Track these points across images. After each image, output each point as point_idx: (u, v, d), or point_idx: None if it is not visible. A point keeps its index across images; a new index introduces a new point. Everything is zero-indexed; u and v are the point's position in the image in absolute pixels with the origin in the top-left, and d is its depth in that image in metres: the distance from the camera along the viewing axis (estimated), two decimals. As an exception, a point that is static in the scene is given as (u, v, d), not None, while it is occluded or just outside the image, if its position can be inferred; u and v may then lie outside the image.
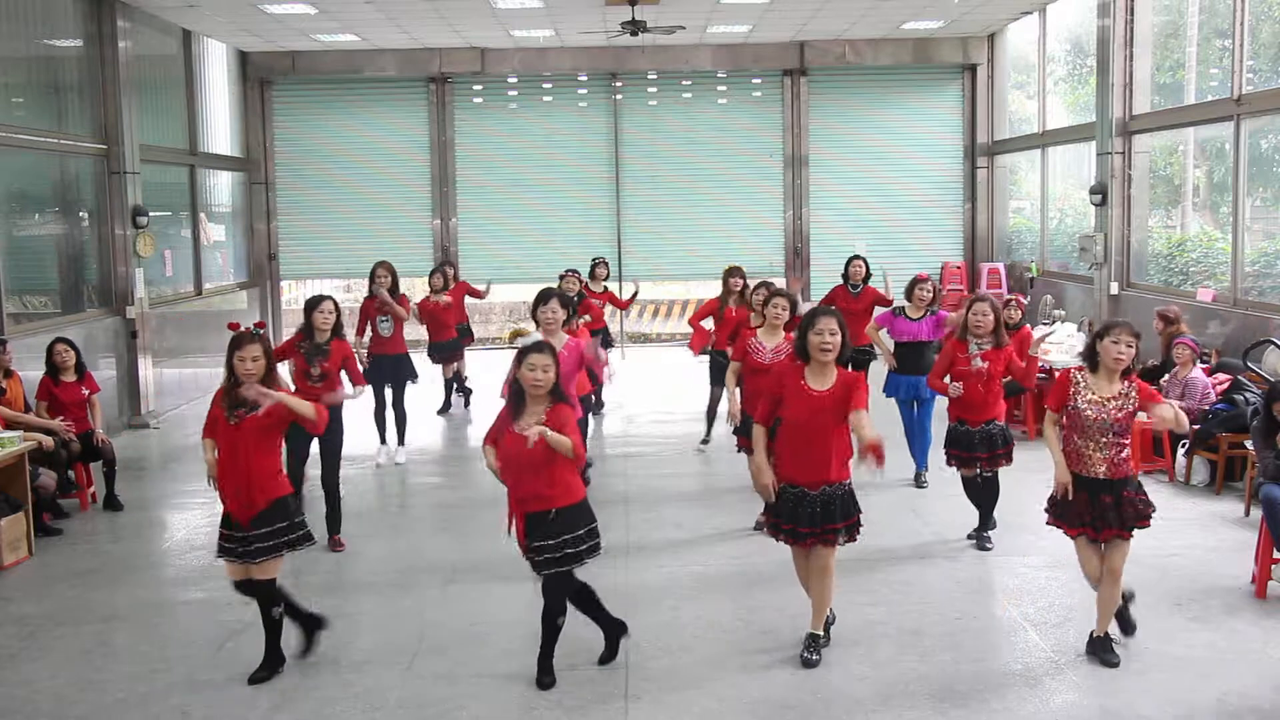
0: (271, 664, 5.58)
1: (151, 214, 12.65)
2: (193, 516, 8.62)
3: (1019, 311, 10.38)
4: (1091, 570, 5.58)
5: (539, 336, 5.38)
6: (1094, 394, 5.39)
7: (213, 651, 5.94)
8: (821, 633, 5.69)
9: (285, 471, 7.49)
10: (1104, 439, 5.38)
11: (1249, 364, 9.18)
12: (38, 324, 10.88)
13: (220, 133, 15.74)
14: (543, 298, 7.27)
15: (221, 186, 15.96)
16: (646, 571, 7.08)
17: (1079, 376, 5.49)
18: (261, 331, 5.53)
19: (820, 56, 16.37)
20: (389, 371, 10.03)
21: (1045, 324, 12.22)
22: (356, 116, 16.85)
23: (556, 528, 5.14)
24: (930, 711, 5.09)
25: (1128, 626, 5.78)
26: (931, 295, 8.84)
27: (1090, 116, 13.18)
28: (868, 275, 10.65)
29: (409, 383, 10.36)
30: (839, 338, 5.30)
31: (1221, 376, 9.49)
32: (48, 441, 8.19)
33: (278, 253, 17.00)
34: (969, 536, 7.54)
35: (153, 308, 12.77)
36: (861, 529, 5.55)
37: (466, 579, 7.04)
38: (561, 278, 10.79)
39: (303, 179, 16.92)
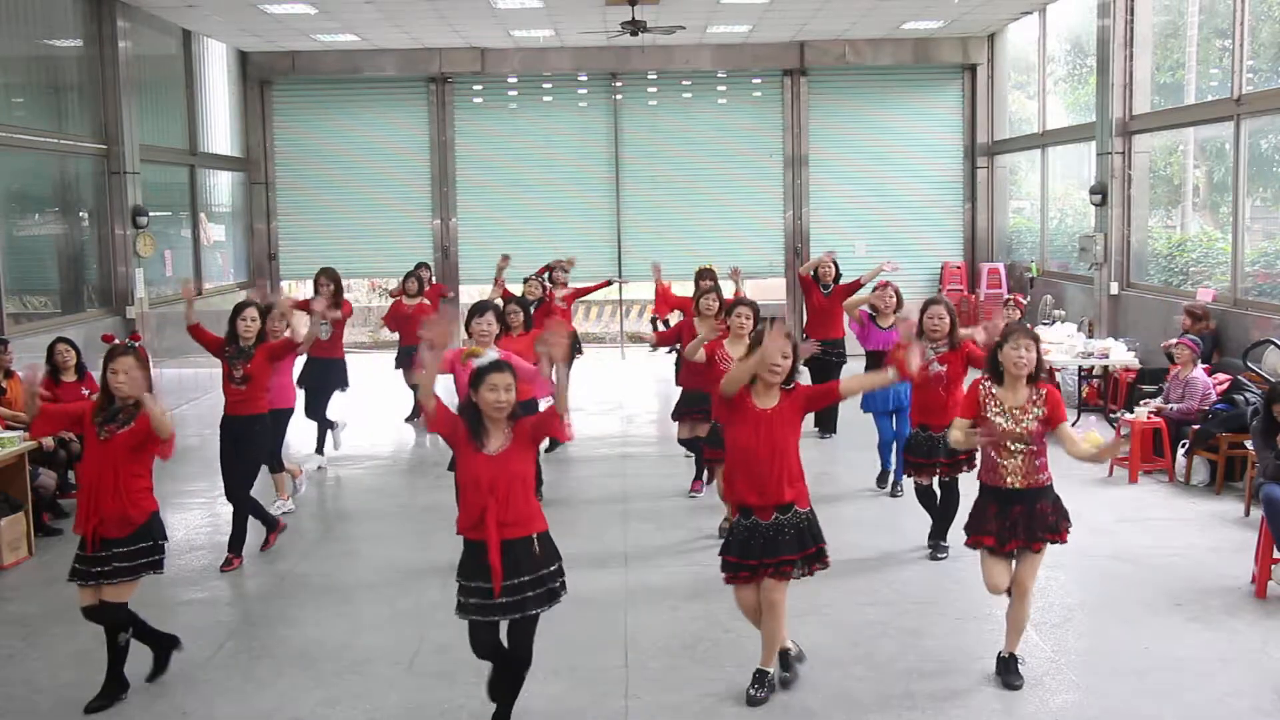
0: (111, 692, 5.33)
1: (151, 214, 12.66)
2: (192, 517, 8.61)
3: (1018, 311, 10.40)
4: (994, 583, 5.37)
5: (495, 355, 5.16)
6: (1003, 404, 5.25)
7: (213, 651, 5.93)
8: (772, 669, 5.30)
9: (235, 494, 7.38)
10: (1016, 448, 5.22)
11: (1249, 364, 9.19)
12: (38, 324, 10.88)
13: (220, 133, 15.74)
14: (478, 309, 7.14)
15: (221, 186, 15.96)
16: (646, 571, 7.08)
17: (986, 387, 5.34)
18: (137, 345, 5.48)
19: (820, 56, 16.37)
20: (316, 376, 9.93)
21: (1046, 324, 12.23)
22: (356, 116, 16.86)
23: (540, 560, 4.70)
24: (930, 712, 5.09)
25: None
26: (896, 302, 8.82)
27: (1090, 116, 13.18)
28: (838, 275, 10.77)
29: (336, 390, 10.24)
30: (789, 361, 5.08)
31: (1221, 376, 9.49)
32: (48, 442, 8.20)
33: (278, 253, 17.01)
34: (929, 548, 7.38)
35: (153, 308, 12.77)
36: (828, 558, 5.22)
37: (466, 579, 7.04)
38: (525, 281, 10.65)
39: (303, 179, 16.92)
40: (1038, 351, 5.26)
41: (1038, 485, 5.27)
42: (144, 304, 12.45)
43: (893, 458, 8.93)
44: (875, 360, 8.83)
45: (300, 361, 9.63)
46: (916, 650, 5.77)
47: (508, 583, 4.60)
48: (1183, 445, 9.06)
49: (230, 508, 7.47)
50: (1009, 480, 5.26)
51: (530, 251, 16.34)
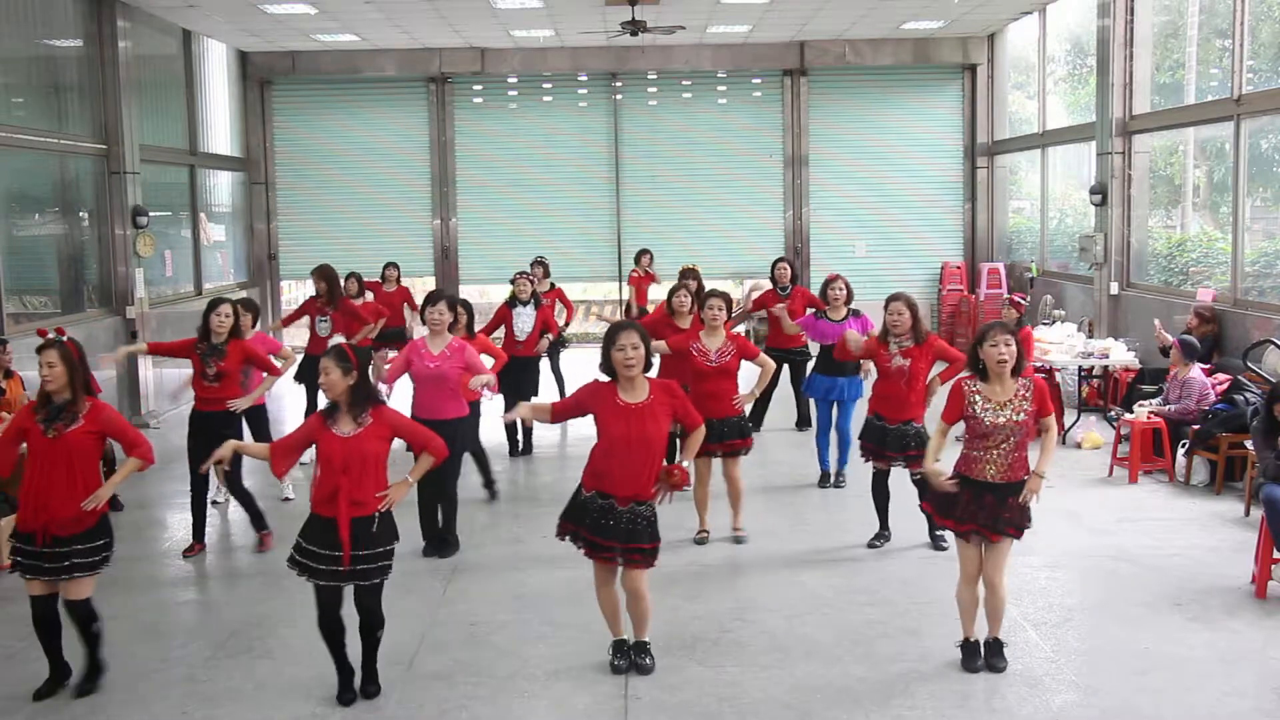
0: (94, 674, 5.47)
1: (151, 214, 12.65)
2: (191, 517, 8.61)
3: (1016, 311, 10.40)
4: (968, 571, 5.45)
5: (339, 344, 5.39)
6: (991, 400, 5.33)
7: (213, 651, 5.93)
8: (649, 639, 5.62)
9: (226, 485, 7.52)
10: (1004, 443, 5.30)
11: (1249, 364, 9.18)
12: (38, 324, 10.87)
13: (220, 133, 15.74)
14: (431, 299, 7.31)
15: (221, 186, 15.96)
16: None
17: (972, 385, 5.41)
18: (63, 339, 5.42)
19: (820, 56, 16.37)
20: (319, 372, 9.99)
21: (1045, 324, 12.22)
22: (356, 116, 16.85)
23: (378, 538, 5.13)
24: (930, 711, 5.09)
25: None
26: (846, 294, 8.85)
27: (1090, 116, 13.18)
28: (794, 277, 10.86)
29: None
30: (641, 351, 5.27)
31: (1221, 376, 9.49)
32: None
33: (278, 253, 17.01)
34: (869, 545, 7.44)
35: (153, 308, 12.77)
36: (657, 559, 5.46)
37: (466, 579, 7.05)
38: (513, 280, 10.57)
39: (303, 179, 16.92)
40: (1017, 345, 5.35)
41: (1014, 479, 5.36)
42: (144, 304, 12.45)
43: (830, 453, 8.99)
44: (827, 353, 8.90)
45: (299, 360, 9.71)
46: (916, 650, 5.77)
47: (353, 553, 5.05)
48: (1183, 445, 9.06)
49: (192, 502, 7.68)
50: (989, 473, 5.35)
51: (530, 251, 16.39)
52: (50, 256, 11.93)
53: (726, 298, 7.57)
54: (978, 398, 5.35)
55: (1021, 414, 5.29)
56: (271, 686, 5.46)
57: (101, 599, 6.74)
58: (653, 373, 5.67)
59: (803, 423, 11.17)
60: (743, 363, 7.53)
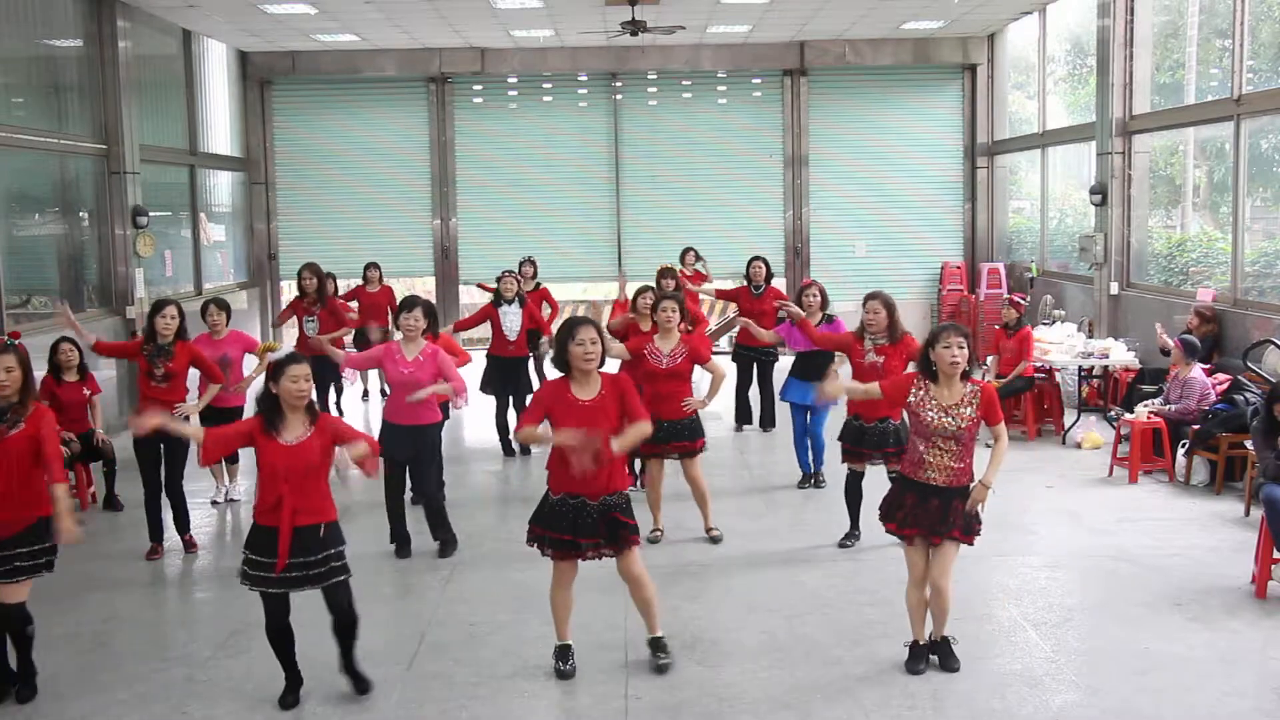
0: (29, 676, 5.39)
1: (151, 214, 12.66)
2: (192, 516, 8.58)
3: (1016, 311, 10.39)
4: (913, 574, 5.45)
5: (291, 349, 5.34)
6: (938, 401, 5.29)
7: (213, 651, 5.93)
8: (662, 634, 5.63)
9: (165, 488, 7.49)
10: (946, 446, 5.28)
11: (1249, 364, 9.18)
12: (38, 324, 10.87)
13: (220, 133, 15.74)
14: (406, 305, 7.32)
15: (221, 186, 15.96)
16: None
17: (920, 383, 5.37)
18: (16, 343, 5.39)
19: (820, 56, 16.37)
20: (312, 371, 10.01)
21: (1045, 324, 12.23)
22: (356, 116, 16.85)
23: (326, 542, 5.10)
24: (931, 711, 5.09)
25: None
26: (820, 300, 8.74)
27: (1090, 116, 13.18)
28: (769, 276, 10.84)
29: (332, 385, 10.24)
30: (599, 347, 5.27)
31: (1221, 376, 9.49)
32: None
33: (278, 253, 17.00)
34: (840, 545, 7.45)
35: (153, 308, 12.77)
36: (638, 535, 5.48)
37: (466, 578, 7.05)
38: (499, 279, 10.44)
39: (303, 179, 16.91)
40: (970, 348, 5.32)
41: (958, 484, 5.34)
42: (144, 304, 12.44)
43: (809, 455, 9.01)
44: (802, 360, 8.87)
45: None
46: (916, 650, 5.76)
47: (291, 561, 4.99)
48: (1183, 445, 9.06)
49: (146, 504, 7.62)
50: (931, 476, 5.34)
51: (530, 252, 16.37)
52: (50, 256, 11.94)
53: (679, 299, 7.59)
54: (924, 396, 5.34)
55: (965, 420, 5.27)
56: (271, 686, 5.45)
57: (102, 599, 6.77)
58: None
59: (768, 423, 11.24)
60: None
